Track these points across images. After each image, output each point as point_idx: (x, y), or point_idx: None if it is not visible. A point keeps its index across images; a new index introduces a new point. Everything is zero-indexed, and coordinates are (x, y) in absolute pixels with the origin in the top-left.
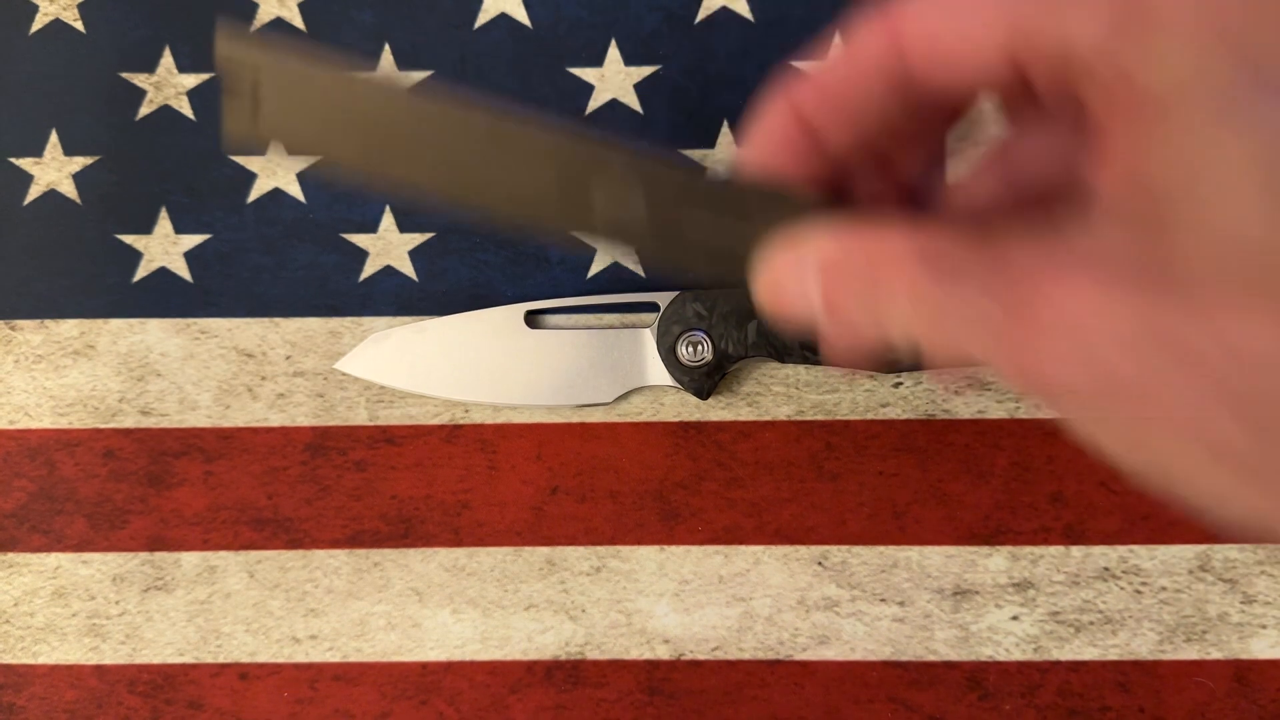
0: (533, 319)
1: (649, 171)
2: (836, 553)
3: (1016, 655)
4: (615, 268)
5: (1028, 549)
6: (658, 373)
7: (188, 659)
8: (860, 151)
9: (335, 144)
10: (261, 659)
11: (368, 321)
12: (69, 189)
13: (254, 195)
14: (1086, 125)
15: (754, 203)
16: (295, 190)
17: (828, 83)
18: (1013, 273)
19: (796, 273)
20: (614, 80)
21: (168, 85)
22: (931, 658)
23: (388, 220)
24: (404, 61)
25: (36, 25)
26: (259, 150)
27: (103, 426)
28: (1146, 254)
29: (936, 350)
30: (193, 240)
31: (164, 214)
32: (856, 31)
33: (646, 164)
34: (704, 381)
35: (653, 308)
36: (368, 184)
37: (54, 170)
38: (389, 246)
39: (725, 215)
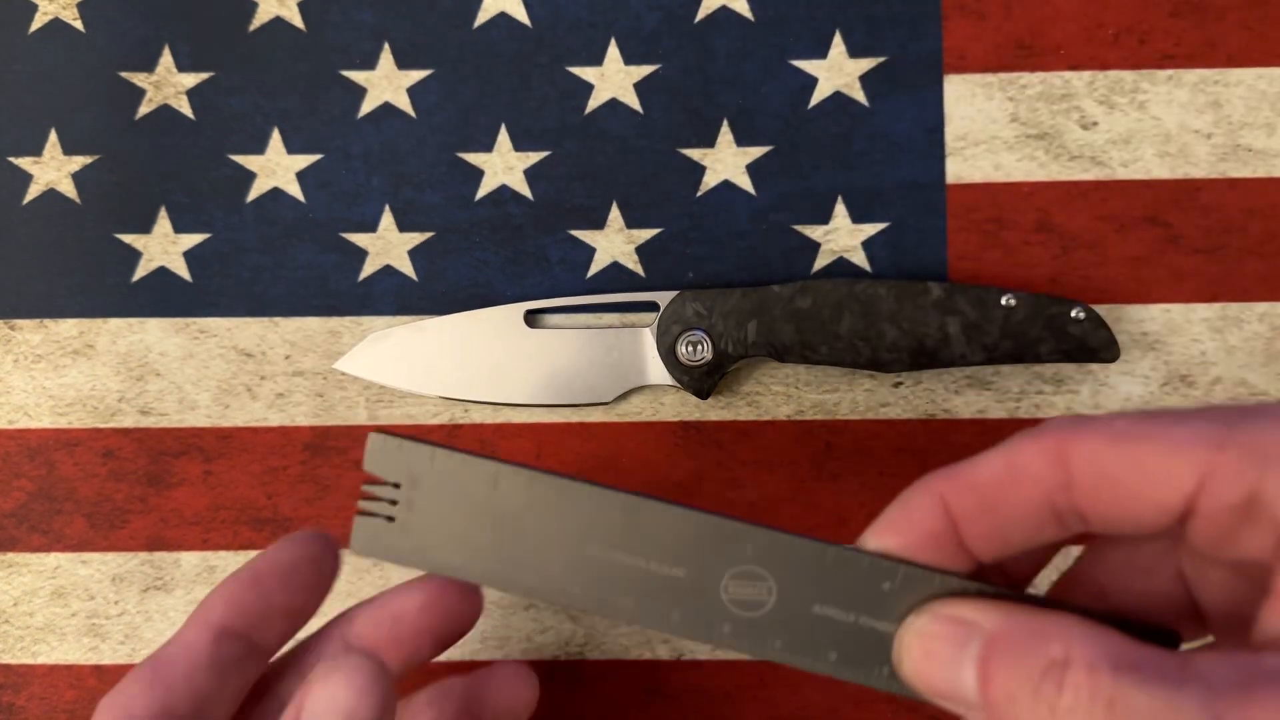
0: (532, 319)
1: (782, 552)
2: None
3: None
4: (615, 267)
5: None
6: (658, 372)
7: None
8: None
9: (473, 548)
10: None
11: (367, 321)
12: (68, 188)
13: (253, 194)
14: (1238, 561)
15: (896, 582)
16: (295, 190)
17: (985, 490)
18: (1210, 682)
19: (953, 646)
20: (614, 79)
21: (167, 85)
22: None
23: (387, 219)
24: (404, 61)
25: (36, 24)
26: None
27: (102, 426)
28: None
29: None
30: (192, 240)
31: (163, 213)
32: (1020, 446)
33: (779, 544)
34: (704, 381)
35: (653, 307)
36: (493, 589)
37: (53, 170)
38: (389, 246)
39: (861, 596)
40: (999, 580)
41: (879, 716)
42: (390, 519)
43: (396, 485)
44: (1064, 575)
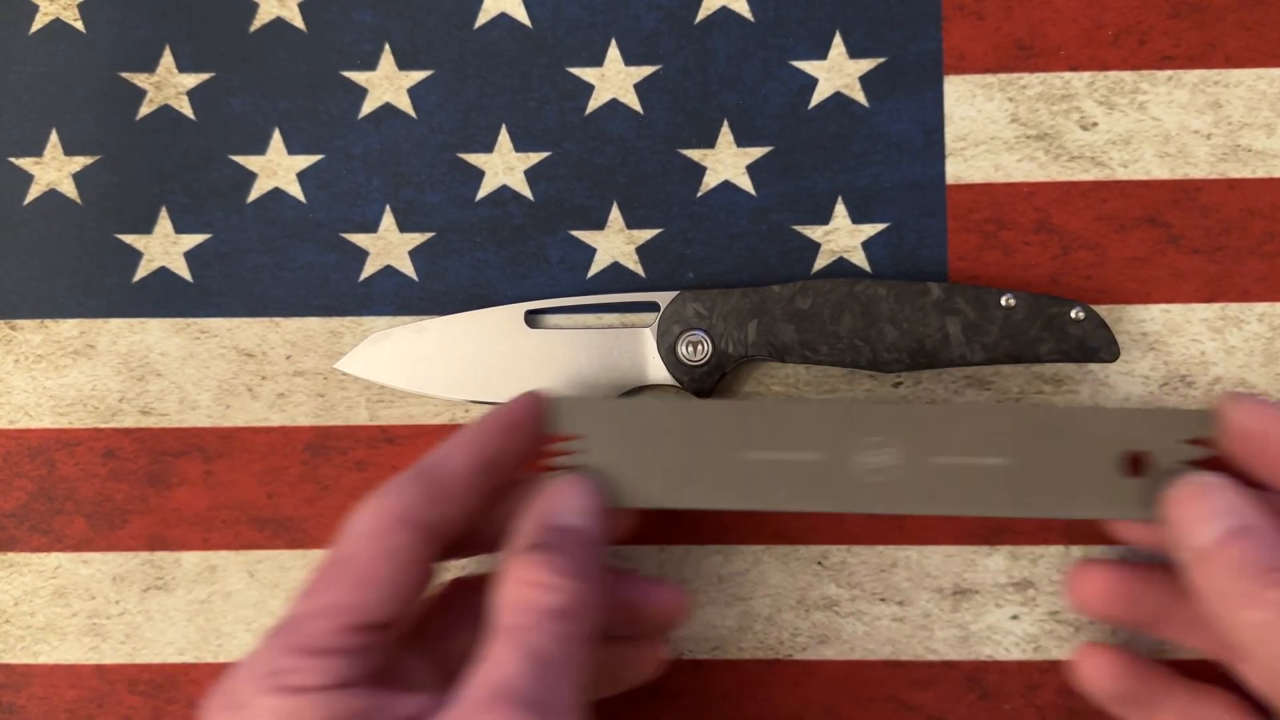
0: (533, 319)
1: (897, 419)
2: (836, 552)
3: (1016, 655)
4: (615, 267)
5: (1027, 549)
6: (658, 373)
7: (188, 659)
8: None
9: (645, 476)
10: None
11: (368, 321)
12: (69, 189)
13: (254, 195)
14: None
15: (1003, 420)
16: (295, 190)
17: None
18: None
19: (1217, 509)
20: (614, 80)
21: (168, 85)
22: (931, 657)
23: (388, 220)
24: (404, 62)
25: (36, 25)
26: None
27: (103, 426)
28: None
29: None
30: (193, 240)
31: (164, 214)
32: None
33: (894, 413)
34: (704, 381)
35: (653, 307)
36: (668, 507)
37: (54, 170)
38: (389, 246)
39: (969, 441)
40: None
41: (878, 715)
42: (579, 467)
43: (581, 437)
44: None
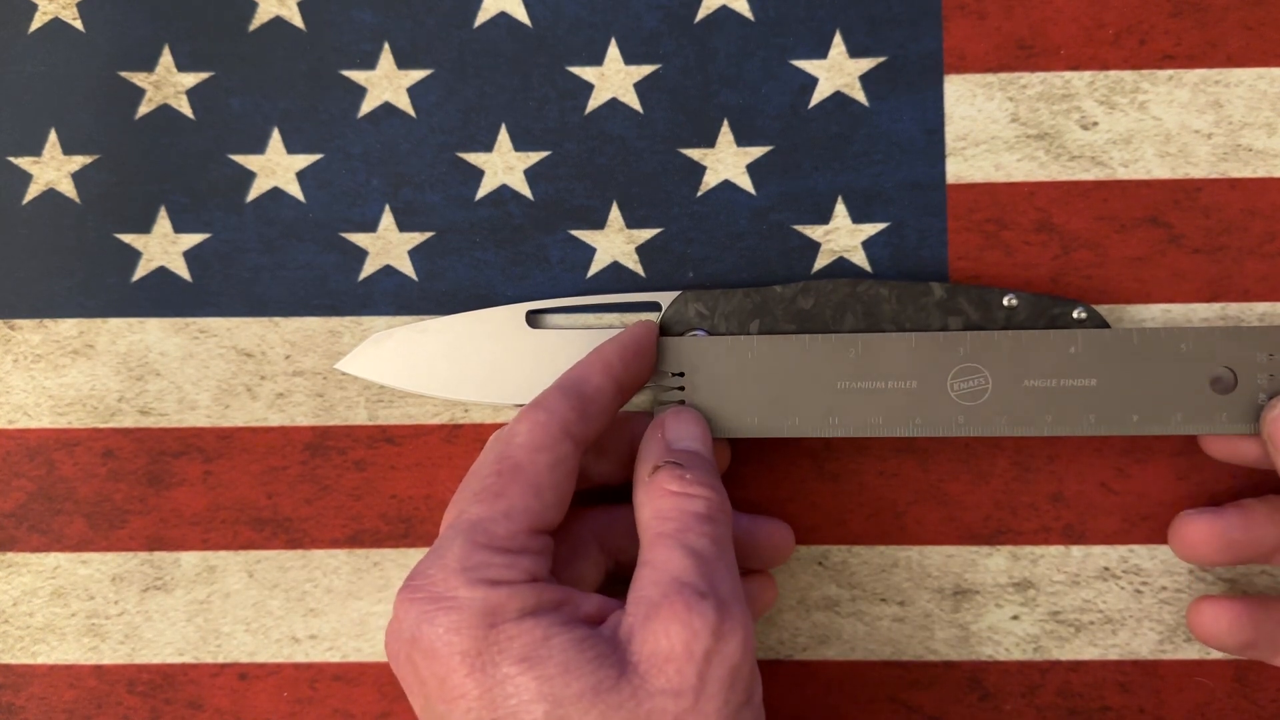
0: (533, 319)
1: (988, 346)
2: (836, 553)
3: (1016, 655)
4: (615, 267)
5: (1028, 549)
6: None
7: (187, 659)
8: None
9: (746, 408)
10: (261, 659)
11: (367, 321)
12: (68, 188)
13: (253, 194)
14: None
15: (1080, 346)
16: (294, 189)
17: None
18: None
19: None
20: (614, 79)
21: (167, 84)
22: (931, 658)
23: (387, 219)
24: (404, 61)
25: (35, 24)
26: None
27: (102, 426)
28: None
29: None
30: (192, 239)
31: (163, 213)
32: None
33: (986, 340)
34: None
35: (654, 307)
36: (767, 436)
37: (53, 169)
38: (389, 246)
39: (1057, 364)
40: None
41: (878, 715)
42: (681, 402)
43: (681, 374)
44: None
